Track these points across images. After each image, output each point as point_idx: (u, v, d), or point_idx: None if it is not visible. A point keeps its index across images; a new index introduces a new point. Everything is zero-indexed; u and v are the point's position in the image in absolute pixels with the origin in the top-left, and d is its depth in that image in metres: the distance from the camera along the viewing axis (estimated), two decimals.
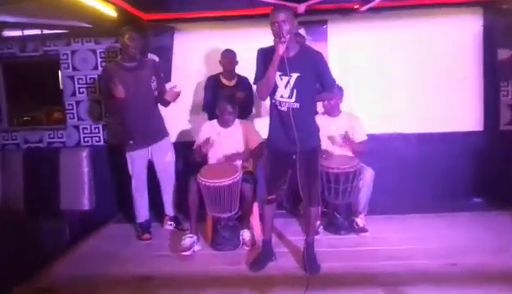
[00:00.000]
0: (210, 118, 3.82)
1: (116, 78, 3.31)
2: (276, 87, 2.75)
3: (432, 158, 4.23)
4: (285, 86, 2.73)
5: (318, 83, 2.85)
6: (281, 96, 2.76)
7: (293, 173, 2.88)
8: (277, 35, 2.60)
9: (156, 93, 3.61)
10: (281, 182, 2.94)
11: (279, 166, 2.91)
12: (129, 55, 3.46)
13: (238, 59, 3.90)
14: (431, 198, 4.11)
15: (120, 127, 3.68)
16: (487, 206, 4.09)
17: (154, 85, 3.57)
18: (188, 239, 3.28)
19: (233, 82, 3.91)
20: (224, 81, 3.91)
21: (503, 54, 4.11)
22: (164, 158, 3.69)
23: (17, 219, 4.02)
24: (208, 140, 3.45)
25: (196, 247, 3.30)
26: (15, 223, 3.90)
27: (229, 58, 3.85)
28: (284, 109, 2.77)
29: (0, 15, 3.64)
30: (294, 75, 2.70)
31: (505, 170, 4.07)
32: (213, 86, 3.90)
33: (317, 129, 3.01)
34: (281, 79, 2.73)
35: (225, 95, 3.61)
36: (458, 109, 4.27)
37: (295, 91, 2.73)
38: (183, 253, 3.20)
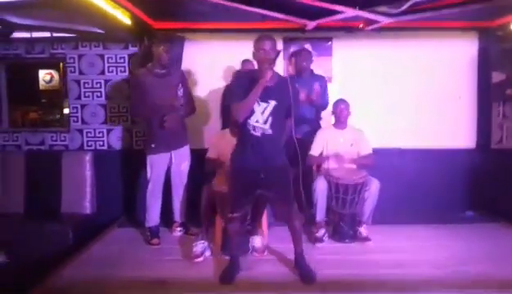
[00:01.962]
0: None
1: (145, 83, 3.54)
2: (252, 112, 2.81)
3: (427, 173, 4.41)
4: (262, 112, 2.81)
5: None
6: (257, 121, 2.81)
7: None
8: (267, 61, 2.70)
9: (182, 101, 3.69)
10: (247, 201, 3.00)
11: (246, 185, 2.92)
12: (161, 64, 3.60)
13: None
14: (427, 210, 4.27)
15: (144, 131, 3.81)
16: (479, 218, 4.29)
17: (180, 92, 3.65)
18: (200, 245, 3.33)
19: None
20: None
21: (497, 77, 4.37)
22: (182, 165, 3.77)
23: (17, 222, 3.96)
24: (218, 161, 3.56)
25: (207, 253, 3.36)
26: (15, 226, 3.85)
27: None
28: (257, 134, 2.83)
29: (12, 17, 3.63)
30: (272, 103, 2.78)
31: (495, 186, 4.30)
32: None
33: (284, 153, 3.01)
34: (259, 105, 2.79)
35: None
36: (452, 127, 4.52)
37: (270, 118, 2.80)
38: (196, 260, 3.23)
